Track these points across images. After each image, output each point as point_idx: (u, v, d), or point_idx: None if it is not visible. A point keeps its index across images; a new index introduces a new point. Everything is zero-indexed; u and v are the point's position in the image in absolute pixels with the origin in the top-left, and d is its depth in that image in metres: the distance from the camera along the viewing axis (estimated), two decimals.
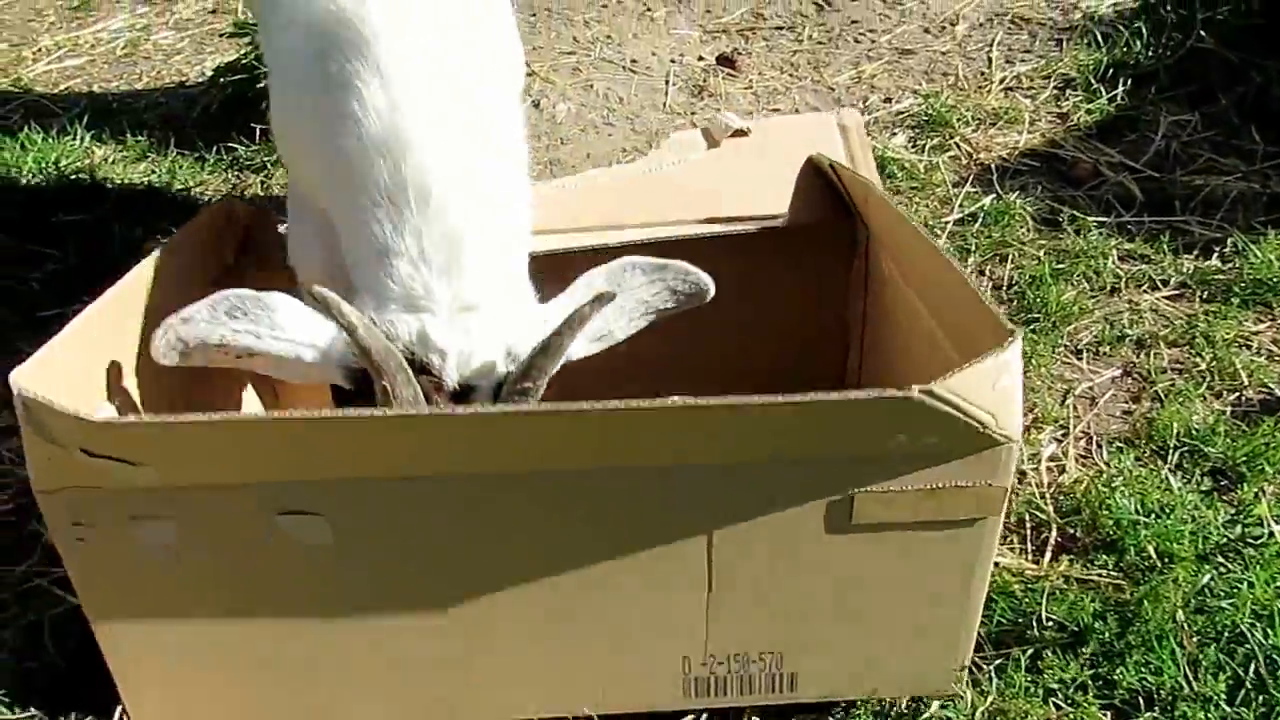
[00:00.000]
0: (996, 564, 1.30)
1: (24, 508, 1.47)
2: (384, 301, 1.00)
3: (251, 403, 1.39)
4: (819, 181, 1.36)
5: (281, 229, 1.40)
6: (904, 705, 1.11)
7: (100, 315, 1.05)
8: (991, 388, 0.86)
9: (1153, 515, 1.31)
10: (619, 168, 1.97)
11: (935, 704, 1.10)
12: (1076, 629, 1.16)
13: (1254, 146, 2.20)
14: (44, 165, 2.31)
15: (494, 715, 1.08)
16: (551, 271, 1.09)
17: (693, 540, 0.95)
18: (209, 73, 2.88)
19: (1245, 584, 1.18)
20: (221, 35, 3.20)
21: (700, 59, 2.93)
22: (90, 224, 2.13)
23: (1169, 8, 2.72)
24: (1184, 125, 2.32)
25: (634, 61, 2.89)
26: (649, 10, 3.22)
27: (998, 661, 1.15)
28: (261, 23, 1.28)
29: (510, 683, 1.05)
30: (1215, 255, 1.90)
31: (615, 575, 0.97)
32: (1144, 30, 2.64)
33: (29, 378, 0.89)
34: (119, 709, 1.11)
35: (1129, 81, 2.46)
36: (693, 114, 2.62)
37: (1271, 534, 1.26)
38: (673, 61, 2.90)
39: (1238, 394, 1.60)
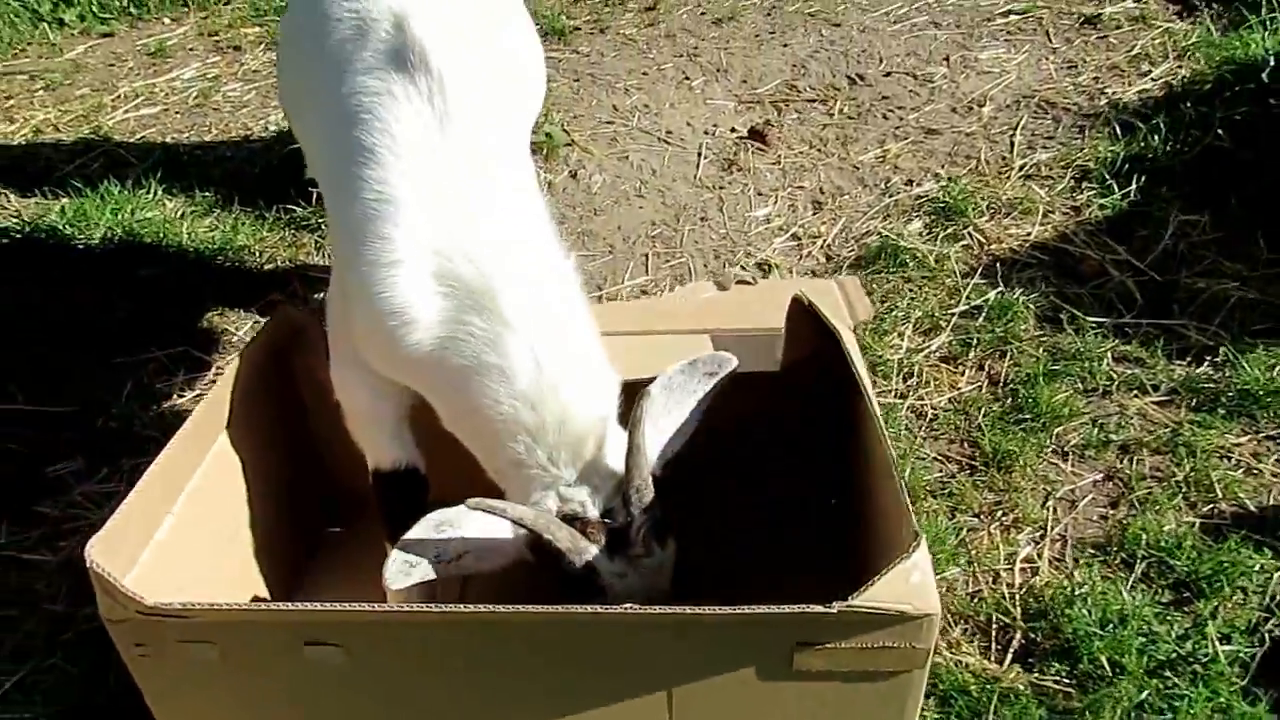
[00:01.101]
0: (959, 662, 1.41)
1: None
2: (529, 489, 1.22)
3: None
4: (807, 318, 1.46)
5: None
6: None
7: (160, 472, 1.25)
8: (906, 583, 0.99)
9: (1110, 626, 1.40)
10: (647, 300, 2.13)
11: None
12: None
13: (1258, 251, 2.27)
14: (120, 216, 2.52)
15: None
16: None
17: (657, 695, 1.10)
18: (272, 127, 3.09)
19: (1186, 700, 1.28)
20: None
21: (733, 130, 3.07)
22: (160, 277, 2.33)
23: (1189, 104, 2.80)
24: (1194, 225, 2.40)
25: (669, 132, 3.04)
26: (688, 79, 3.38)
27: None
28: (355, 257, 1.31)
29: None
30: (1207, 363, 1.98)
31: (591, 711, 1.11)
32: (1162, 125, 2.73)
33: (100, 551, 1.07)
34: None
35: (1143, 178, 2.55)
36: (721, 189, 2.76)
37: (1214, 657, 1.35)
38: (706, 133, 3.04)
39: (1211, 505, 1.68)
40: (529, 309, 1.22)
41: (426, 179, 1.25)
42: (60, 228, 2.50)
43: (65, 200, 2.64)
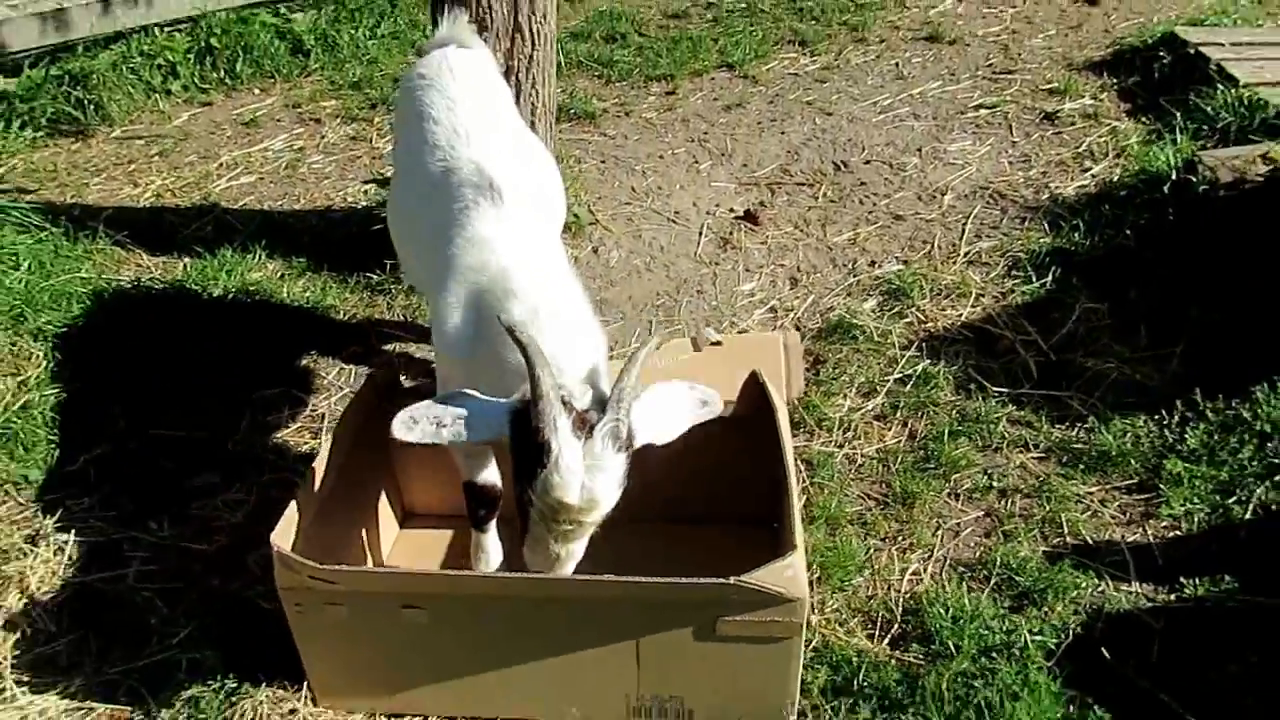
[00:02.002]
0: (849, 643, 1.98)
1: (235, 545, 2.26)
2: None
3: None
4: (755, 389, 2.06)
5: (406, 382, 2.21)
6: None
7: (309, 485, 1.87)
8: (782, 575, 1.57)
9: (959, 621, 1.97)
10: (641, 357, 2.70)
11: None
12: (882, 688, 1.83)
13: (1140, 339, 2.82)
14: (233, 277, 3.16)
15: (512, 710, 1.82)
16: None
17: (628, 642, 1.69)
18: (349, 199, 3.74)
19: (1000, 671, 1.84)
20: (358, 158, 4.07)
21: (731, 210, 3.67)
22: (267, 329, 2.96)
23: (1108, 206, 3.37)
24: (1095, 312, 2.95)
25: (677, 213, 3.64)
26: (697, 162, 3.99)
27: (831, 705, 1.83)
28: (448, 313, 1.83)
29: (526, 695, 1.79)
30: (1079, 428, 2.54)
31: (588, 652, 1.71)
32: (1082, 224, 3.29)
33: (279, 536, 1.69)
34: (305, 683, 1.87)
35: (1060, 269, 3.11)
36: (716, 264, 3.35)
37: (1026, 645, 1.91)
38: (708, 213, 3.65)
39: (1059, 539, 2.24)
40: (538, 293, 1.71)
41: (482, 245, 1.83)
42: (186, 285, 3.15)
43: (187, 260, 3.29)
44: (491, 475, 1.97)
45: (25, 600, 2.09)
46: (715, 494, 2.16)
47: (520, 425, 1.54)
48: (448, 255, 1.87)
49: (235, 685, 1.85)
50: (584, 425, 1.53)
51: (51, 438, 2.52)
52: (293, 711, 1.83)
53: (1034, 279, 3.10)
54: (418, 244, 2.10)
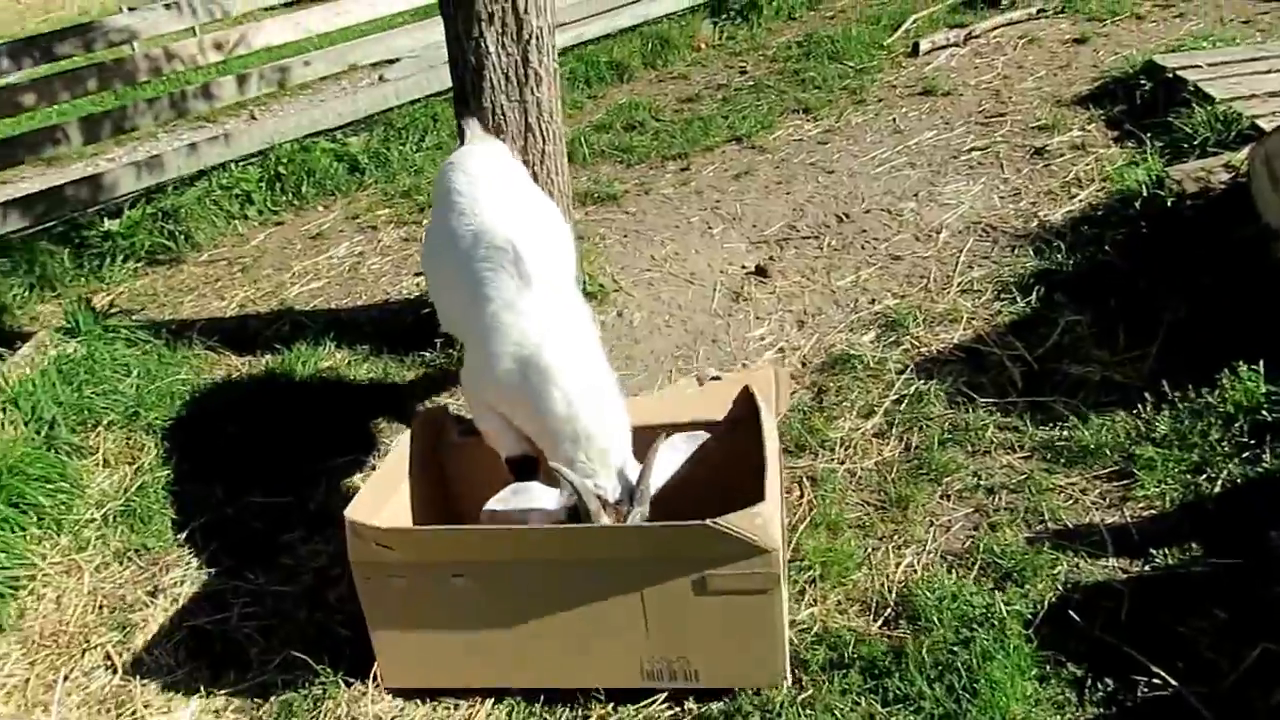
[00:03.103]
0: (846, 625, 2.24)
1: (317, 585, 2.63)
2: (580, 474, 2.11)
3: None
4: (747, 400, 2.38)
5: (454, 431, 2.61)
6: (751, 692, 2.06)
7: (382, 474, 2.28)
8: (753, 522, 1.87)
9: (943, 600, 2.21)
10: (655, 395, 3.04)
11: (774, 692, 2.05)
12: (870, 659, 2.08)
13: (1119, 342, 3.04)
14: (307, 366, 3.63)
15: (543, 680, 2.14)
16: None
17: (633, 596, 2.01)
18: (404, 293, 4.22)
19: (978, 638, 2.07)
20: (410, 256, 4.57)
21: (743, 267, 4.02)
22: (337, 408, 3.39)
23: (1088, 226, 3.62)
24: (1077, 323, 3.19)
25: (693, 274, 4.01)
26: (710, 228, 4.38)
27: (826, 677, 2.08)
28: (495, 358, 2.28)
29: (555, 665, 2.10)
30: (1061, 427, 2.77)
31: (604, 614, 2.02)
32: (1063, 245, 3.55)
33: (357, 509, 2.06)
34: (375, 685, 2.21)
35: (1043, 289, 3.36)
36: (729, 316, 3.69)
37: (1003, 615, 2.13)
38: (722, 272, 4.01)
39: (1042, 525, 2.46)
40: (570, 373, 2.15)
41: (514, 308, 2.25)
42: (268, 377, 3.63)
43: (268, 356, 3.78)
44: (523, 447, 2.35)
45: (149, 642, 2.49)
46: (708, 497, 2.46)
47: (574, 518, 2.09)
48: (483, 319, 2.28)
49: (320, 692, 2.20)
50: (620, 516, 2.05)
51: (164, 512, 2.96)
52: (364, 709, 2.17)
53: (1019, 299, 3.36)
54: (448, 294, 2.53)
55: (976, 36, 5.96)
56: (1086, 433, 2.69)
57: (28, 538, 2.79)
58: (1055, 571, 2.30)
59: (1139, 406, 2.74)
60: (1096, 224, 3.60)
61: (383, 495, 2.26)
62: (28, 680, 2.42)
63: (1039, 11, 6.13)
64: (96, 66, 5.09)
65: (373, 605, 2.14)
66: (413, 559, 2.06)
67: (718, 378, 2.73)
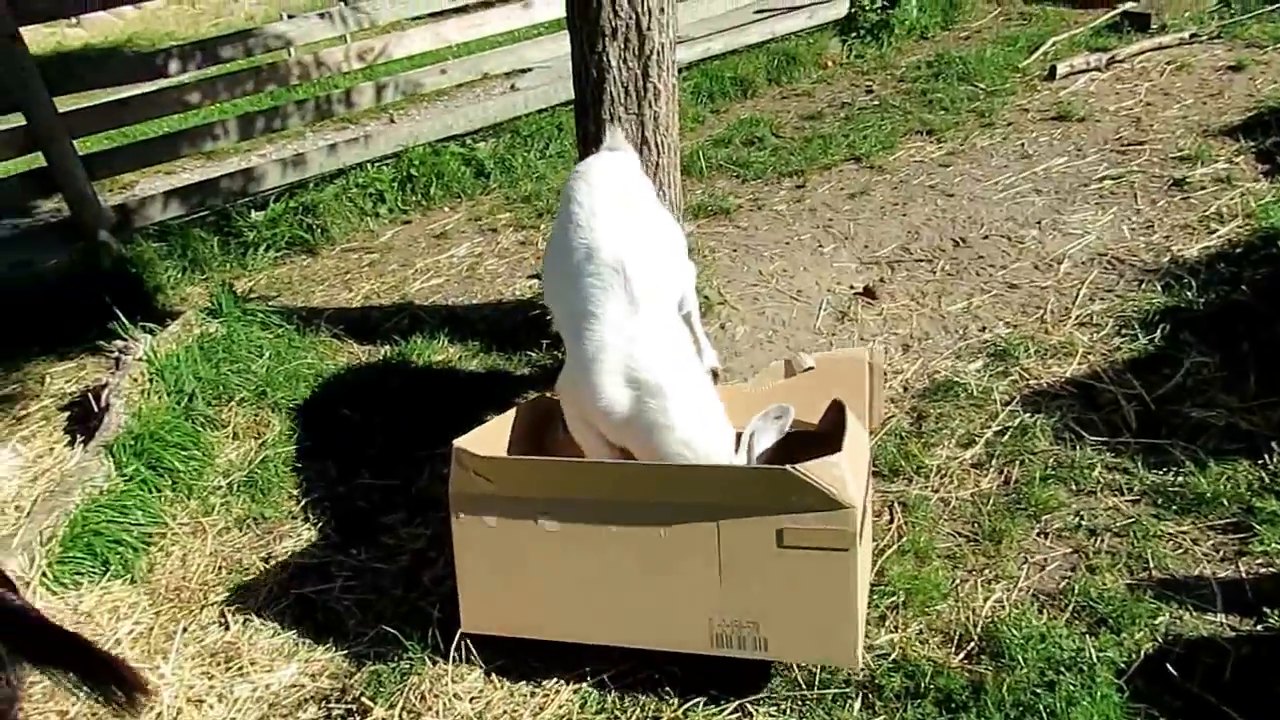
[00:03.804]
0: (926, 655, 2.19)
1: (414, 565, 2.77)
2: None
3: None
4: (837, 413, 2.38)
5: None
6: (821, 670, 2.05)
7: (494, 424, 2.44)
8: (830, 472, 1.88)
9: (1030, 641, 2.14)
10: (748, 384, 3.05)
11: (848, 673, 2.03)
12: (948, 692, 2.03)
13: (1250, 389, 2.87)
14: (422, 359, 3.82)
15: (615, 636, 2.19)
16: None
17: (710, 540, 2.04)
18: (518, 293, 4.37)
19: (1063, 684, 2.00)
20: (525, 259, 4.73)
21: (851, 287, 3.98)
22: (449, 400, 3.55)
23: (1225, 265, 3.42)
24: (1205, 365, 3.02)
25: (799, 291, 4.00)
26: (821, 246, 4.35)
27: (899, 705, 2.05)
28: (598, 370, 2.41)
29: (623, 618, 2.15)
30: (1176, 473, 2.63)
31: (678, 555, 2.07)
32: (1196, 283, 3.36)
33: (464, 441, 2.21)
34: (458, 663, 2.31)
35: (1169, 326, 3.20)
36: (833, 335, 3.67)
37: (1093, 660, 2.05)
38: (829, 291, 3.98)
39: (1145, 573, 2.35)
40: (681, 391, 2.24)
41: (623, 332, 2.33)
42: (385, 366, 3.83)
43: (387, 348, 3.99)
44: (607, 453, 2.44)
45: (259, 604, 2.68)
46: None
47: None
48: (591, 337, 2.37)
49: (407, 667, 2.32)
50: None
51: (282, 485, 3.17)
52: (445, 687, 2.27)
53: (1141, 336, 3.20)
54: (560, 304, 2.60)
55: (1120, 61, 5.71)
56: (1204, 480, 2.55)
57: (162, 499, 3.04)
58: (1156, 622, 2.19)
59: (1265, 457, 2.58)
60: (1234, 262, 3.40)
61: (486, 446, 2.38)
62: (151, 629, 2.64)
63: (1191, 36, 5.83)
64: (254, 69, 5.48)
65: (463, 546, 2.24)
66: (508, 493, 2.16)
67: (811, 367, 2.72)
